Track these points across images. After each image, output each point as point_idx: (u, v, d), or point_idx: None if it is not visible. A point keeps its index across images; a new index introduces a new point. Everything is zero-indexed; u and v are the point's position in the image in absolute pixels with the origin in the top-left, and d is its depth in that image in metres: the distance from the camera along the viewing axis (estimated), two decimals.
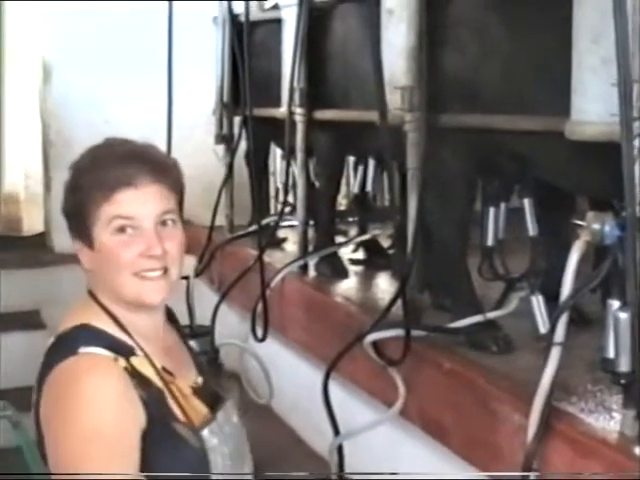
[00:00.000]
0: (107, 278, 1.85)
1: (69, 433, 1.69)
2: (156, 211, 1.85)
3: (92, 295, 1.90)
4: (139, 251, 1.82)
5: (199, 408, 1.93)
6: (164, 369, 1.88)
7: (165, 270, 1.86)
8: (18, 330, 5.45)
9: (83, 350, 1.77)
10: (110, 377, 1.74)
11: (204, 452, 1.84)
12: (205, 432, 1.86)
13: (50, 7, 5.78)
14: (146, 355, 1.85)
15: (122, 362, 1.79)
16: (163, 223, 1.87)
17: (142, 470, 1.73)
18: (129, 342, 1.85)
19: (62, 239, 5.75)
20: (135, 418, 1.74)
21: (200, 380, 2.01)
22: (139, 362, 1.83)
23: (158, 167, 1.88)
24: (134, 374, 1.79)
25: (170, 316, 2.09)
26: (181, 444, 1.80)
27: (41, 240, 6.20)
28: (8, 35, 6.29)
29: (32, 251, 6.08)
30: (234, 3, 5.02)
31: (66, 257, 5.97)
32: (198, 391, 1.97)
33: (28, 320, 5.59)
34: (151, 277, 1.85)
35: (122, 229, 1.83)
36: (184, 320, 4.03)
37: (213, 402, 1.98)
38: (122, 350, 1.82)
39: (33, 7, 6.00)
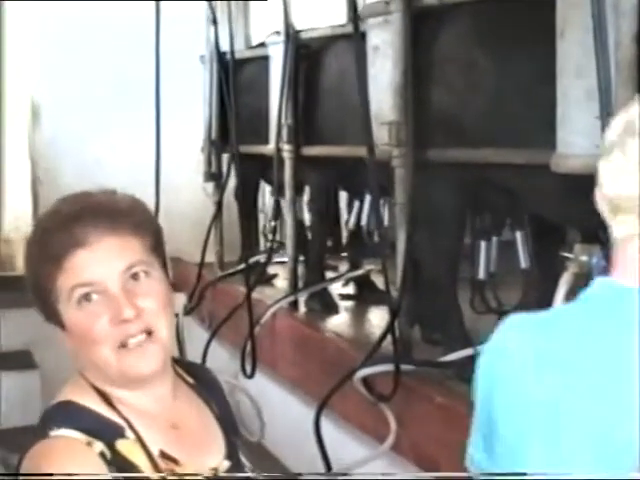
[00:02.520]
0: (90, 359, 1.57)
1: None
2: (119, 268, 1.56)
3: (81, 374, 1.63)
4: (109, 319, 1.53)
5: None
6: (163, 454, 1.58)
7: (149, 332, 1.56)
8: (10, 370, 5.45)
9: (54, 433, 1.51)
10: (78, 465, 1.48)
11: None
12: None
13: (39, 48, 5.82)
14: (139, 438, 1.56)
15: (99, 446, 1.51)
16: (134, 277, 1.58)
17: None
18: (119, 422, 1.57)
19: None
20: None
21: (226, 464, 1.68)
22: (127, 446, 1.55)
23: (110, 216, 1.59)
24: (115, 461, 1.51)
25: (208, 387, 1.80)
26: None
27: None
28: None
29: (24, 291, 6.05)
30: (221, 41, 5.06)
31: None
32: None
33: (20, 360, 5.58)
34: (134, 345, 1.55)
35: (87, 297, 1.54)
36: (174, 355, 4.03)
37: None
38: (106, 432, 1.54)
39: (23, 48, 6.04)
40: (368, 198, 4.37)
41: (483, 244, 3.14)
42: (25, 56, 6.04)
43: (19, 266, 6.50)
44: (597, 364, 1.19)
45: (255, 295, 4.22)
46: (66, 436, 1.51)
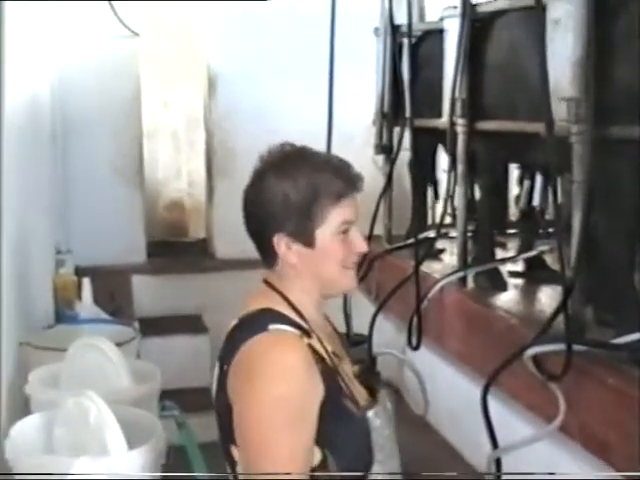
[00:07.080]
0: (318, 271, 1.99)
1: (259, 399, 1.82)
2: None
3: (269, 284, 2.02)
4: (356, 249, 1.99)
5: (361, 391, 2.05)
6: (333, 352, 2.00)
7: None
8: (181, 333, 5.65)
9: (272, 327, 1.90)
10: (298, 350, 1.87)
11: (368, 431, 1.96)
12: (370, 413, 1.97)
13: (216, 19, 5.96)
14: (319, 338, 1.97)
15: (306, 339, 1.92)
16: None
17: (315, 438, 1.87)
18: (305, 326, 1.97)
19: (223, 245, 6.00)
20: (316, 389, 1.87)
21: (356, 369, 2.13)
22: (314, 343, 1.94)
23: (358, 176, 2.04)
24: (313, 351, 1.91)
25: None
26: (350, 419, 1.92)
27: (203, 246, 6.37)
28: (176, 46, 6.49)
29: (195, 257, 6.26)
30: (395, 14, 5.05)
31: (227, 263, 6.14)
32: (357, 377, 2.09)
33: (191, 324, 5.77)
34: (352, 267, 2.02)
35: (344, 231, 1.98)
36: (341, 328, 4.08)
37: (370, 389, 2.10)
38: (302, 331, 1.94)
39: (200, 19, 6.19)
40: (539, 176, 4.29)
41: None
42: (203, 27, 6.19)
43: (192, 232, 6.70)
44: None
45: (423, 269, 4.22)
46: (284, 329, 1.91)
